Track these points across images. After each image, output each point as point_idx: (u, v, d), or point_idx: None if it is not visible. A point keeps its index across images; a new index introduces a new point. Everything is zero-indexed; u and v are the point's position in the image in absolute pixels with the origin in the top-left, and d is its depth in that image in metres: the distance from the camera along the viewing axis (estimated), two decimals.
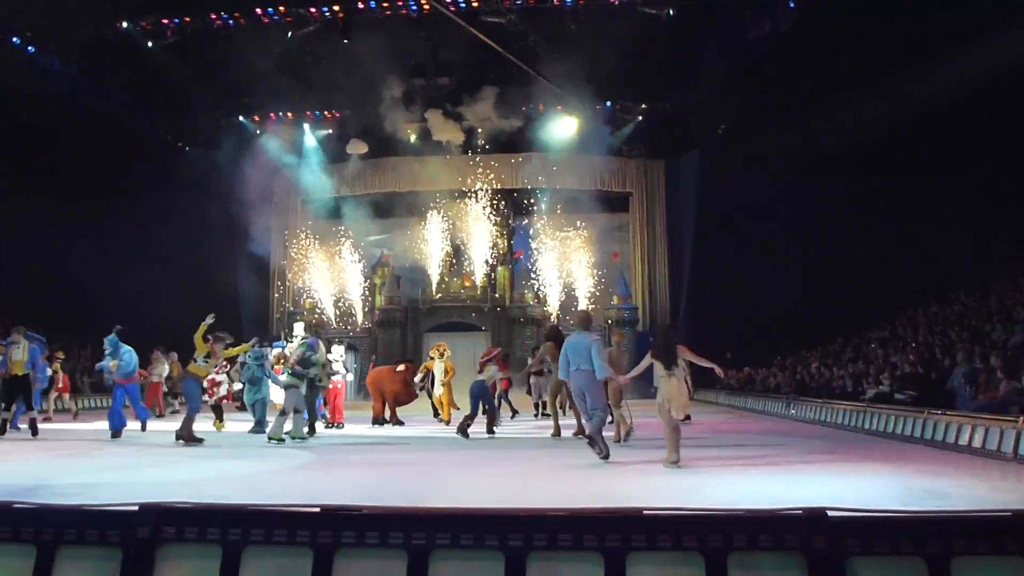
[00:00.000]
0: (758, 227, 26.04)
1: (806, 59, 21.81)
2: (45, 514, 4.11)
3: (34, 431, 12.43)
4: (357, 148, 30.08)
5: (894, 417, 12.20)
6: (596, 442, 8.78)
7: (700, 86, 26.48)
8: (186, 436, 11.12)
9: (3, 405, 12.59)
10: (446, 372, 15.66)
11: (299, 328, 12.28)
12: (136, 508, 3.98)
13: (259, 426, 13.19)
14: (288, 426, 11.56)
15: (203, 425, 13.20)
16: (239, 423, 14.76)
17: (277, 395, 14.20)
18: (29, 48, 25.37)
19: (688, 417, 11.80)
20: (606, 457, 8.66)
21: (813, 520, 3.68)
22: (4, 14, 24.04)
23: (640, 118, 29.74)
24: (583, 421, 9.72)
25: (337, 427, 14.45)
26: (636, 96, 28.91)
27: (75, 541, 3.95)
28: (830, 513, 3.71)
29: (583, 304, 29.51)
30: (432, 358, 15.90)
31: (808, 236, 25.85)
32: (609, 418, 10.27)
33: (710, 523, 3.73)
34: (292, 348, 12.81)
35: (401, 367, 15.68)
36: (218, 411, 14.44)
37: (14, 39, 24.97)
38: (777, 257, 25.79)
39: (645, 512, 3.84)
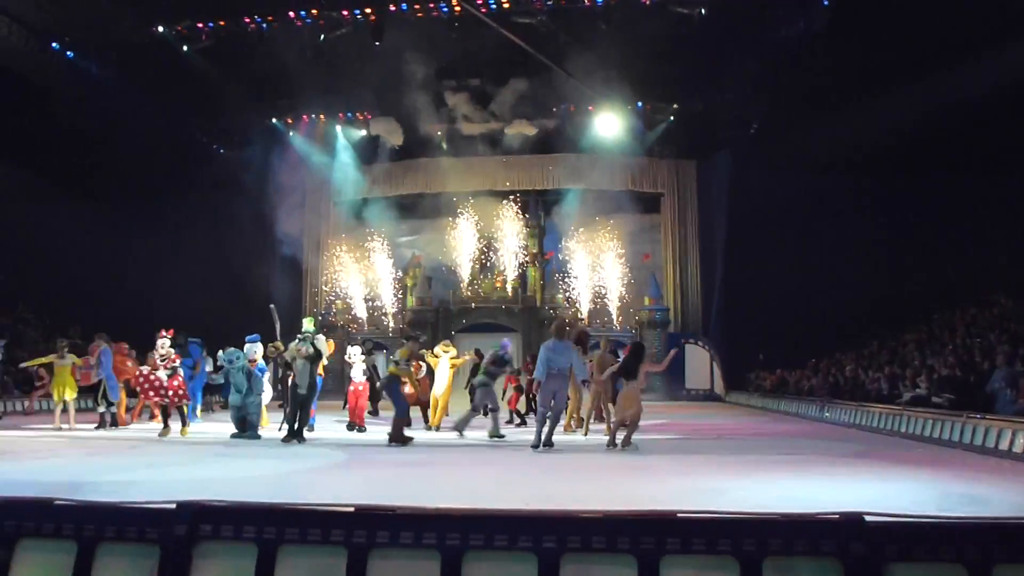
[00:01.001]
0: (791, 228, 25.76)
1: (839, 58, 21.57)
2: (86, 511, 4.18)
3: (112, 423, 13.99)
4: (392, 138, 30.20)
5: (931, 421, 12.02)
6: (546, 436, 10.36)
7: (732, 86, 26.28)
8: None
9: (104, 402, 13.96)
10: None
11: (307, 324, 11.94)
12: (174, 506, 4.04)
13: (252, 431, 11.81)
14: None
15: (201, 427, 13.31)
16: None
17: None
18: (68, 53, 25.86)
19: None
20: (536, 447, 10.28)
21: (850, 525, 3.65)
22: (44, 21, 24.54)
23: (671, 118, 29.58)
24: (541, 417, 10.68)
25: (359, 430, 13.52)
26: (667, 96, 28.77)
27: (115, 538, 4.02)
28: (867, 518, 3.67)
29: (614, 305, 29.45)
30: (437, 356, 14.14)
31: (842, 237, 25.53)
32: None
33: (745, 527, 3.71)
34: (293, 346, 11.65)
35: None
36: (164, 414, 12.38)
37: (53, 44, 25.47)
38: (810, 258, 25.50)
39: (679, 515, 3.82)
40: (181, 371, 12.47)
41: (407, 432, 11.43)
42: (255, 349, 12.45)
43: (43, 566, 4.03)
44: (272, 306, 13.49)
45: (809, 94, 23.11)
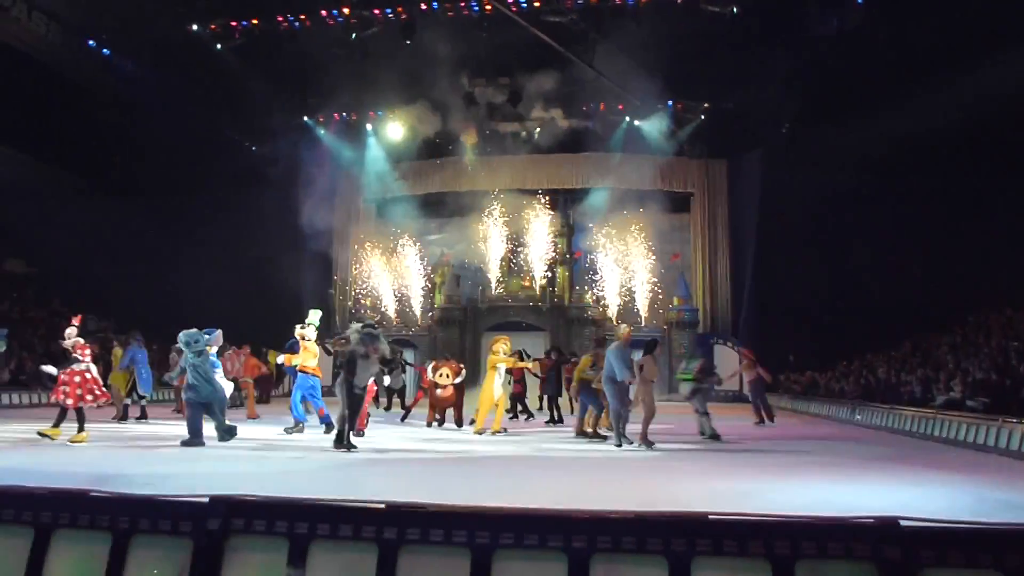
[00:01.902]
0: (822, 228, 25.51)
1: (873, 56, 21.32)
2: (120, 503, 4.23)
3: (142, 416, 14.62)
4: (422, 136, 30.28)
5: (966, 425, 11.84)
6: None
7: (763, 85, 26.05)
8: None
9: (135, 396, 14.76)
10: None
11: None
12: (207, 500, 4.07)
13: (227, 434, 10.28)
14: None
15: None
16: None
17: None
18: (104, 51, 26.28)
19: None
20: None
21: (885, 529, 3.59)
22: (81, 19, 24.97)
23: (702, 117, 29.40)
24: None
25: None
26: (698, 95, 28.59)
27: (148, 530, 4.06)
28: (902, 522, 3.62)
29: (642, 304, 29.31)
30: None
31: (874, 237, 25.22)
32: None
33: (778, 529, 3.67)
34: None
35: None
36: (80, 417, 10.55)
37: (90, 42, 25.90)
38: (842, 258, 25.22)
39: (711, 516, 3.79)
40: (92, 368, 10.73)
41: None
42: (214, 339, 11.23)
43: (79, 557, 4.09)
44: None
45: (842, 93, 22.88)
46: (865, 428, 15.47)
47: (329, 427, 11.45)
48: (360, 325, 10.27)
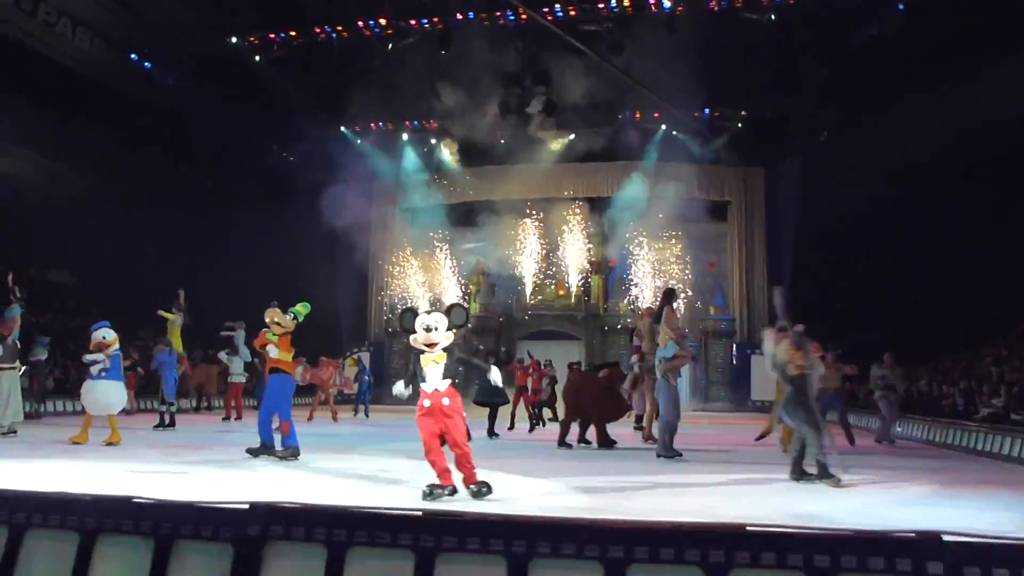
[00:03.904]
0: (861, 237, 25.16)
1: (913, 63, 21.04)
2: (162, 509, 4.31)
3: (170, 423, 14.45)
4: (458, 146, 30.43)
5: (1010, 439, 11.60)
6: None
7: (801, 92, 25.84)
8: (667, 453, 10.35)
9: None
10: None
11: (304, 308, 10.95)
12: (247, 507, 4.13)
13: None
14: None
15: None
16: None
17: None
18: (146, 64, 26.83)
19: None
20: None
21: (927, 544, 3.54)
22: (123, 33, 25.54)
23: (739, 125, 29.21)
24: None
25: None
26: (735, 103, 28.43)
27: (190, 536, 4.13)
28: (945, 537, 3.57)
29: (679, 314, 29.05)
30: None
31: (915, 247, 24.80)
32: None
33: (817, 542, 3.64)
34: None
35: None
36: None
37: (132, 56, 26.46)
38: (881, 268, 24.84)
39: (748, 528, 3.77)
40: None
41: None
42: (104, 334, 11.18)
43: (122, 561, 4.17)
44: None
45: (882, 100, 22.59)
46: (905, 441, 15.22)
47: (292, 452, 9.40)
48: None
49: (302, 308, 10.25)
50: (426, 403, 6.55)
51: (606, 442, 11.91)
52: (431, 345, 6.47)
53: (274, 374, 9.73)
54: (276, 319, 9.72)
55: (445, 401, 6.49)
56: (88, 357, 11.40)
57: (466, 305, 8.07)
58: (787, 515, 6.00)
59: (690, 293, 29.37)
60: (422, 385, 6.61)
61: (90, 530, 4.23)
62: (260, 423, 9.68)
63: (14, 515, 4.36)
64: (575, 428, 12.30)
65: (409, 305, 8.14)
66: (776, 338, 8.52)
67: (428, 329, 6.44)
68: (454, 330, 6.59)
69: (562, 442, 11.87)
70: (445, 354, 6.60)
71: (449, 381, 6.57)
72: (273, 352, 9.74)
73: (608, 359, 28.58)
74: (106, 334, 11.20)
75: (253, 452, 9.46)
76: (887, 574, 3.52)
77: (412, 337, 6.55)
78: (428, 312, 6.64)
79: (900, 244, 25.05)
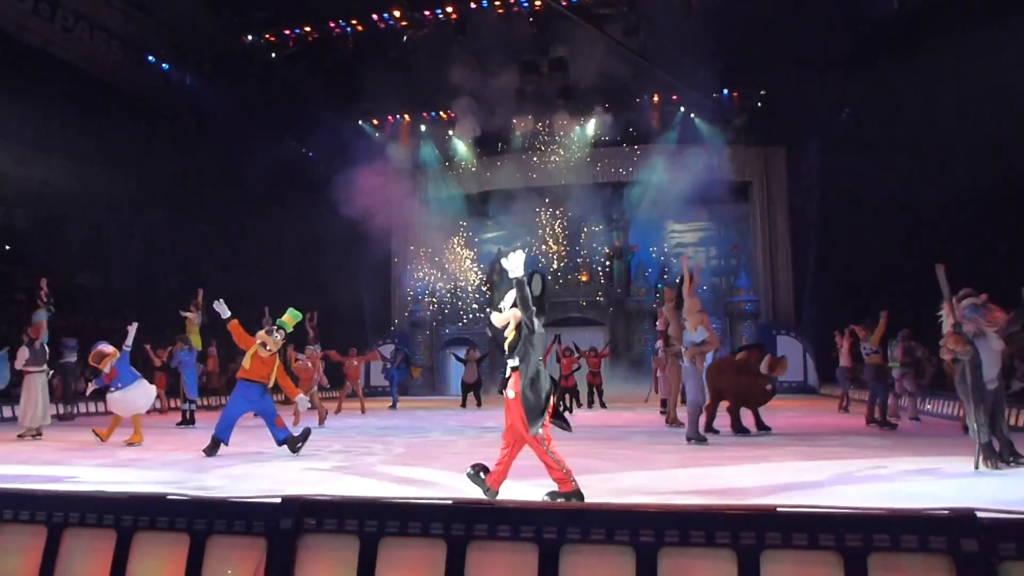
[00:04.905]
0: (886, 216, 24.83)
1: (939, 34, 20.66)
2: (197, 505, 4.37)
3: (190, 420, 14.81)
4: (476, 135, 30.32)
5: None
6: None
7: (823, 70, 25.52)
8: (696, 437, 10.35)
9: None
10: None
11: (293, 317, 10.88)
12: (279, 501, 4.18)
13: None
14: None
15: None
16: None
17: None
18: (163, 65, 27.05)
19: None
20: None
21: (961, 521, 3.51)
22: (139, 36, 25.75)
23: (759, 104, 28.93)
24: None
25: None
26: (755, 82, 28.13)
27: (224, 531, 4.19)
28: (979, 514, 3.54)
29: (703, 297, 28.93)
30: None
31: (941, 224, 24.47)
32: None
33: (849, 522, 3.61)
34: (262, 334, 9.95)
35: (742, 354, 12.12)
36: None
37: (149, 57, 26.67)
38: (908, 246, 24.54)
39: (779, 509, 3.75)
40: None
41: None
42: (98, 354, 11.17)
43: (159, 558, 4.23)
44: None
45: (906, 73, 22.24)
46: (936, 418, 15.10)
47: (293, 442, 9.65)
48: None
49: (290, 318, 10.42)
50: (510, 393, 5.76)
51: (740, 428, 11.41)
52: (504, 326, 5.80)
53: (242, 381, 9.86)
54: (267, 344, 9.86)
55: (510, 394, 5.73)
56: (91, 388, 12.01)
57: (543, 273, 6.76)
58: (816, 495, 5.98)
59: (714, 275, 29.25)
60: (513, 364, 5.81)
61: (126, 528, 4.30)
62: (220, 422, 9.66)
63: (52, 515, 4.44)
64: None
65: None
66: (947, 312, 8.26)
67: (499, 309, 5.76)
68: (528, 302, 5.84)
69: (708, 428, 11.41)
70: (515, 333, 5.82)
71: (516, 364, 5.71)
72: (246, 363, 9.88)
73: (633, 344, 28.70)
74: (100, 352, 11.19)
75: (207, 451, 9.43)
76: (921, 552, 3.49)
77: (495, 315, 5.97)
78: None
79: (927, 220, 24.72)
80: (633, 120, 29.52)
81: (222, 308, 9.96)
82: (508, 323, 5.78)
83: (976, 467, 7.35)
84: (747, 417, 11.67)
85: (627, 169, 30.43)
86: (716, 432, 11.33)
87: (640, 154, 30.09)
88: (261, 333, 10.00)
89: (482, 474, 5.51)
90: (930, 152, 23.36)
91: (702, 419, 11.11)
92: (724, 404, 11.78)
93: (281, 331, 10.09)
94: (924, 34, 20.81)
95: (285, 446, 9.55)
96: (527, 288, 5.76)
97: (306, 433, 9.78)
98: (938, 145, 22.91)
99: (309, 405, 12.09)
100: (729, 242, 30.54)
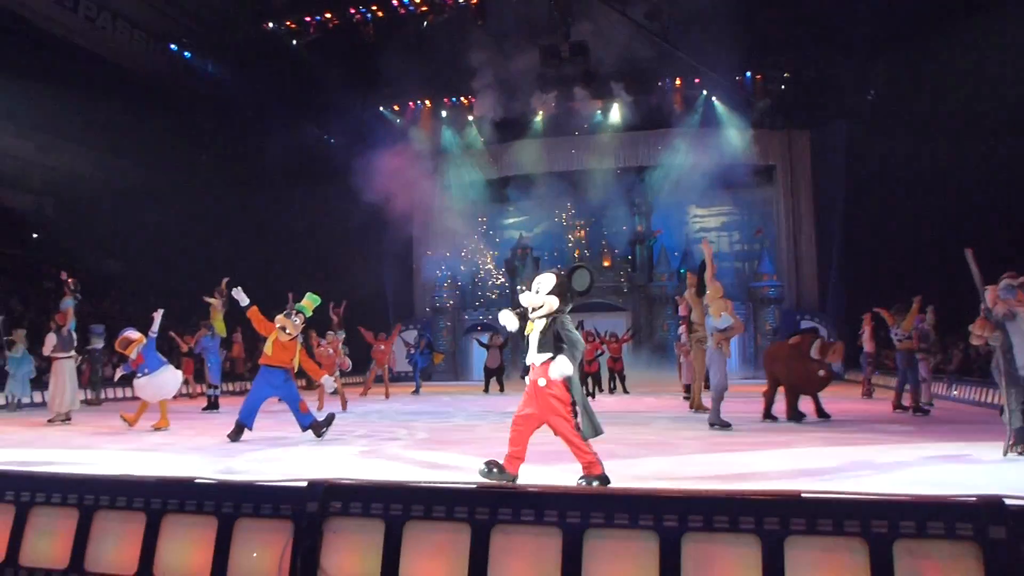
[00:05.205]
0: (913, 200, 24.53)
1: (966, 12, 20.35)
2: (224, 489, 4.43)
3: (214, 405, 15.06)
4: (497, 120, 30.25)
5: None
6: None
7: (847, 51, 25.20)
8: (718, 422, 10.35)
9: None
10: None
11: (312, 301, 10.70)
12: (305, 484, 4.23)
13: None
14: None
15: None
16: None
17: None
18: (185, 54, 27.21)
19: None
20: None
21: (989, 508, 3.48)
22: (162, 24, 25.90)
23: (783, 87, 28.64)
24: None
25: None
26: (778, 64, 27.85)
27: (251, 514, 4.25)
28: (1008, 501, 3.51)
29: (726, 282, 28.75)
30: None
31: (968, 208, 24.11)
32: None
33: (875, 508, 3.60)
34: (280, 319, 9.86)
35: (795, 338, 11.70)
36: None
37: (172, 46, 26.84)
38: (934, 231, 24.23)
39: (804, 495, 3.75)
40: None
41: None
42: (124, 340, 11.18)
43: (187, 540, 4.31)
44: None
45: (933, 53, 21.93)
46: (963, 404, 14.96)
47: (318, 427, 9.66)
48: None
49: (309, 302, 10.29)
50: (526, 379, 5.72)
51: (794, 415, 11.01)
52: (534, 309, 5.62)
53: (264, 367, 9.90)
54: (287, 327, 9.81)
55: (541, 381, 5.54)
56: (118, 374, 11.92)
57: (591, 269, 6.54)
58: (843, 481, 5.95)
59: (737, 259, 29.08)
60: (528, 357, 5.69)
61: (156, 511, 4.37)
62: (243, 407, 9.71)
63: (84, 498, 4.52)
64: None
65: (582, 263, 6.89)
66: (992, 298, 8.08)
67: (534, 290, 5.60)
68: (567, 296, 5.69)
69: (766, 415, 11.18)
70: (545, 321, 5.65)
71: (548, 356, 5.54)
72: (268, 349, 9.86)
73: (655, 330, 28.62)
74: (127, 338, 11.26)
75: (231, 435, 9.45)
76: (948, 539, 3.47)
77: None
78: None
79: (955, 203, 24.39)
80: (655, 104, 29.34)
81: (240, 296, 10.00)
82: (534, 305, 5.63)
83: (1004, 453, 7.28)
84: (808, 403, 11.33)
85: (649, 153, 30.25)
86: (774, 419, 11.03)
87: (662, 138, 29.88)
88: (280, 317, 9.90)
89: (496, 470, 5.36)
90: (958, 133, 23.05)
91: (760, 406, 11.06)
92: (781, 389, 11.45)
93: (300, 315, 9.99)
94: (952, 12, 20.47)
95: (310, 431, 9.62)
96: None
97: (330, 418, 9.84)
98: (966, 126, 22.60)
99: (335, 387, 12.08)
100: (752, 227, 30.32)
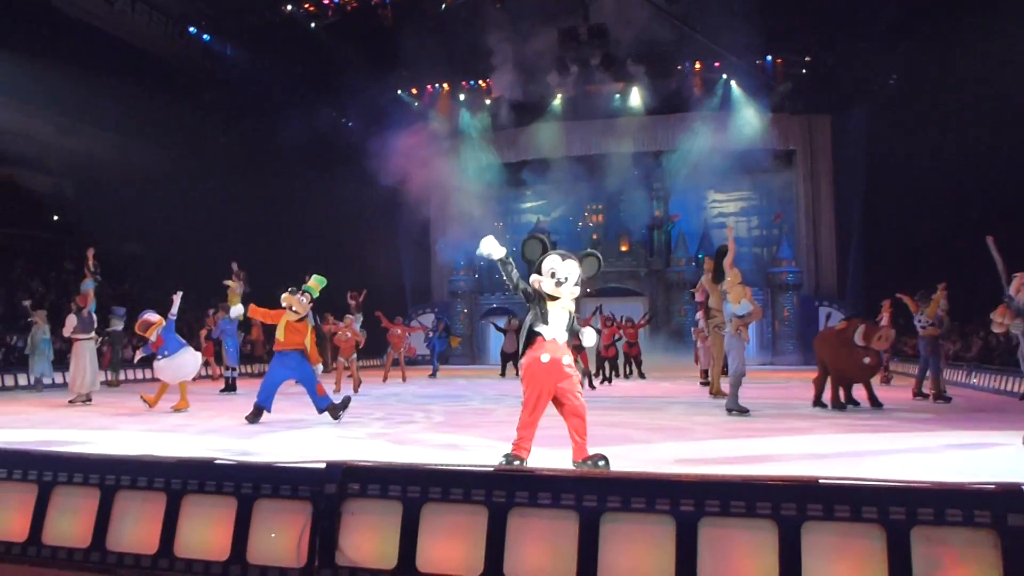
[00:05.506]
0: (935, 185, 24.25)
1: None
2: (244, 470, 4.47)
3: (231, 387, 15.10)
4: (515, 104, 30.14)
5: None
6: None
7: (869, 35, 24.88)
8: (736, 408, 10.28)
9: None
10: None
11: (319, 283, 10.47)
12: (324, 466, 4.26)
13: None
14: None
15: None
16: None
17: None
18: (204, 36, 27.26)
19: None
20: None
21: (1008, 496, 3.47)
22: (181, 7, 25.95)
23: (803, 71, 28.35)
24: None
25: None
26: (798, 49, 27.56)
27: (270, 495, 4.28)
28: None
29: (745, 267, 28.64)
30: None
31: (992, 196, 23.82)
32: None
33: (892, 495, 3.59)
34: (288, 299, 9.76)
35: (842, 323, 11.48)
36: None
37: (191, 29, 26.89)
38: (955, 217, 23.98)
39: (821, 481, 3.74)
40: None
41: None
42: (144, 322, 11.41)
43: (207, 519, 4.35)
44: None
45: (956, 36, 21.59)
46: (982, 392, 14.86)
47: (334, 410, 9.66)
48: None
49: (315, 283, 10.16)
50: (544, 357, 5.50)
51: (837, 403, 10.70)
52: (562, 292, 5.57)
53: (278, 353, 9.90)
54: (293, 306, 9.73)
55: (566, 359, 5.55)
56: (138, 356, 12.14)
57: (599, 257, 5.85)
58: (860, 467, 5.93)
59: (756, 245, 28.92)
60: (541, 330, 5.58)
61: (176, 491, 4.42)
62: (261, 390, 9.72)
63: (105, 478, 4.58)
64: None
65: (537, 232, 6.59)
66: (1017, 285, 7.89)
67: (559, 282, 5.49)
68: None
69: (817, 402, 10.92)
70: (573, 305, 5.69)
71: (567, 337, 5.60)
72: (280, 335, 9.83)
73: (672, 315, 28.55)
74: (146, 321, 11.35)
75: (249, 418, 9.53)
76: (966, 526, 3.46)
77: (534, 278, 5.64)
78: (563, 257, 5.63)
79: (977, 190, 24.11)
80: (674, 88, 29.12)
81: (236, 311, 9.96)
82: (559, 297, 5.61)
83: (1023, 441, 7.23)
84: (860, 391, 11.08)
85: (667, 137, 30.05)
86: (824, 406, 10.75)
87: (681, 122, 29.66)
88: (286, 296, 9.76)
89: (516, 461, 5.30)
90: (981, 119, 22.75)
91: (778, 392, 10.97)
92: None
93: (307, 295, 9.87)
94: None
95: (327, 414, 9.67)
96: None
97: (346, 401, 9.88)
98: (989, 111, 22.29)
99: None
100: (771, 212, 30.13)
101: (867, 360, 10.38)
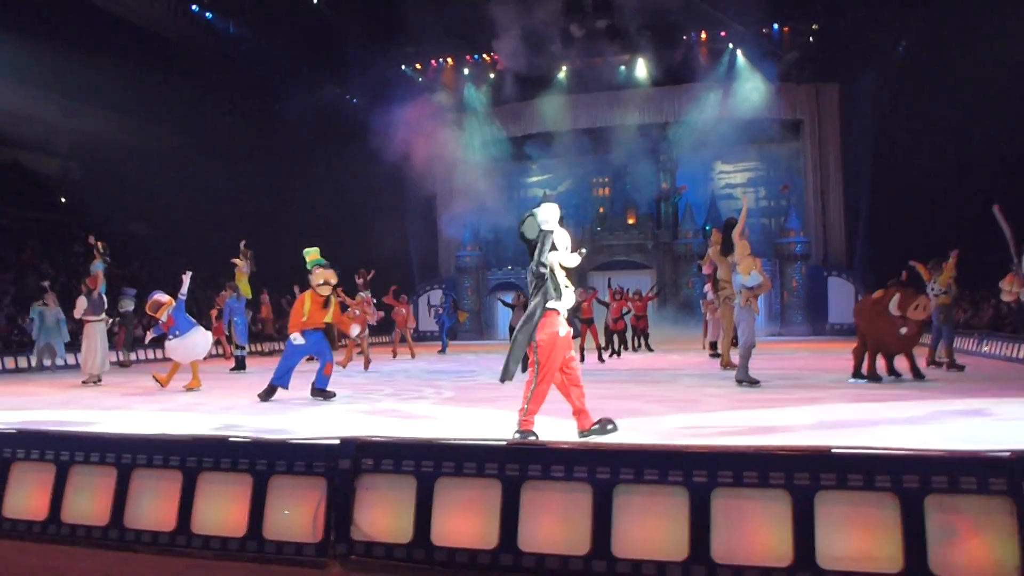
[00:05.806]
0: (943, 155, 24.06)
1: None
2: (258, 447, 4.50)
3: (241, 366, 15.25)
4: (520, 77, 29.93)
5: None
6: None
7: (878, 1, 24.58)
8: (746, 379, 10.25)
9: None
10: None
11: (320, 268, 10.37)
12: (338, 442, 4.28)
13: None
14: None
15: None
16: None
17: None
18: (207, 14, 27.11)
19: None
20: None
21: (1022, 463, 3.46)
22: None
23: (811, 39, 28.03)
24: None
25: None
26: (806, 15, 27.23)
27: (285, 471, 4.31)
28: None
29: (753, 238, 28.49)
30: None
31: (1001, 165, 23.62)
32: None
33: (906, 463, 3.58)
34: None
35: (879, 292, 10.86)
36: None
37: (193, 7, 26.75)
38: (964, 186, 23.80)
39: (834, 451, 3.74)
40: None
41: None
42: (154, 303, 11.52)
43: (223, 496, 4.38)
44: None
45: (965, 5, 21.34)
46: (994, 360, 14.84)
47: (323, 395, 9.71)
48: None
49: (314, 255, 10.27)
50: (562, 331, 5.69)
51: (873, 374, 10.40)
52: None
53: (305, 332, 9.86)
54: (329, 279, 9.89)
55: (563, 331, 5.78)
56: (149, 336, 12.31)
57: (533, 213, 6.49)
58: (873, 436, 5.94)
59: (764, 216, 28.78)
60: (555, 305, 5.72)
61: (191, 469, 4.45)
62: (278, 368, 9.80)
63: (121, 457, 4.61)
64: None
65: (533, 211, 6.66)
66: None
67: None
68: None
69: (856, 373, 10.53)
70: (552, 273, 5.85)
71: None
72: (305, 313, 9.84)
73: (680, 287, 28.51)
74: (156, 301, 11.41)
75: (262, 396, 9.63)
76: (980, 494, 3.45)
77: (554, 254, 5.84)
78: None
79: (986, 158, 23.91)
80: (680, 58, 28.82)
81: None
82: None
83: None
84: (902, 360, 10.82)
85: (674, 109, 29.79)
86: (863, 378, 10.40)
87: (687, 93, 29.39)
88: (318, 271, 9.84)
89: (530, 437, 5.40)
90: (990, 86, 22.48)
91: (788, 363, 10.95)
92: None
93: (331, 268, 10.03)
94: None
95: (319, 395, 9.67)
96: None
97: (331, 396, 9.73)
98: (999, 79, 22.03)
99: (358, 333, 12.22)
100: (779, 182, 29.93)
101: (903, 330, 9.96)
